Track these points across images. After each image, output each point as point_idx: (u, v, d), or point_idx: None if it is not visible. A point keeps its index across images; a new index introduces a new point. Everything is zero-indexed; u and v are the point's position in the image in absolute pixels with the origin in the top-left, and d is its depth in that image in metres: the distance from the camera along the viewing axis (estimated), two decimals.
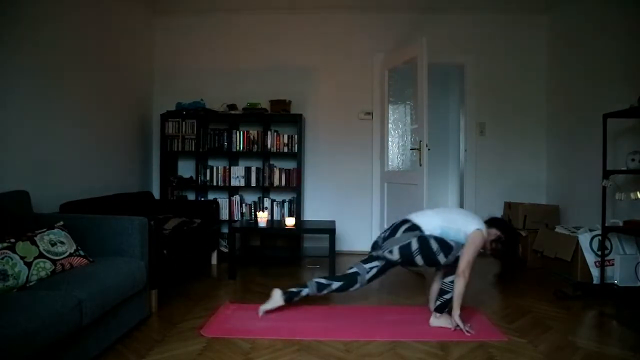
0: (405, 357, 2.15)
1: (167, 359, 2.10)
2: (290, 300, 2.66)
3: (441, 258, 2.46)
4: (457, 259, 2.47)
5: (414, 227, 2.52)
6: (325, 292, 2.63)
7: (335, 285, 2.63)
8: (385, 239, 2.59)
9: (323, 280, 2.65)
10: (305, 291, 2.65)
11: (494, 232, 2.56)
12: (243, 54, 4.75)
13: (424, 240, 2.47)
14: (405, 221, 2.59)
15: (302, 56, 4.73)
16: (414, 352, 2.20)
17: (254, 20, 4.73)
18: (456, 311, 2.43)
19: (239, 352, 2.18)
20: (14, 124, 2.69)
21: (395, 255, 2.51)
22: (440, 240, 2.47)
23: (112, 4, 3.86)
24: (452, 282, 2.46)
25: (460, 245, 2.47)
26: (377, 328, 2.50)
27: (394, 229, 2.58)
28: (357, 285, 2.64)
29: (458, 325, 2.45)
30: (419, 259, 2.48)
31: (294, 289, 2.67)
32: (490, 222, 2.59)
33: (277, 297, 2.66)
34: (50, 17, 3.01)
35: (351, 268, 2.68)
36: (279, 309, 2.71)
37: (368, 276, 2.64)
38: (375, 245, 2.65)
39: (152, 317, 2.67)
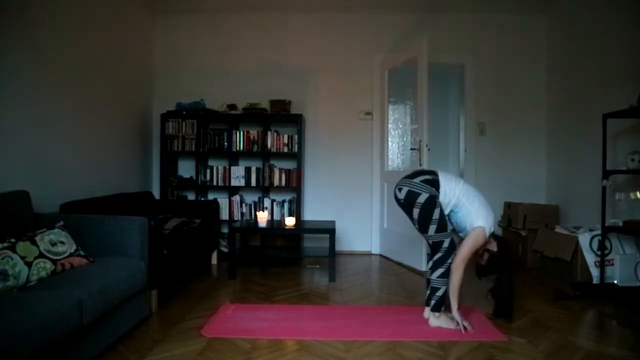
0: (405, 357, 2.15)
1: (167, 359, 2.10)
2: (440, 306, 2.53)
3: (431, 229, 2.46)
4: (435, 244, 2.48)
5: (434, 184, 2.48)
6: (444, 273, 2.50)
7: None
8: (405, 177, 2.56)
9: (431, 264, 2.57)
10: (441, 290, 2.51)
11: (493, 244, 2.55)
12: (243, 54, 4.75)
13: (432, 201, 2.44)
14: (432, 172, 2.54)
15: (302, 56, 4.73)
16: (414, 352, 2.20)
17: (254, 20, 4.73)
18: (454, 306, 2.43)
19: (239, 352, 2.18)
20: (14, 124, 2.69)
21: (402, 195, 2.51)
22: (442, 217, 2.46)
23: (112, 4, 3.86)
24: (440, 276, 2.47)
25: (450, 234, 2.48)
26: (377, 328, 2.50)
27: (417, 173, 2.55)
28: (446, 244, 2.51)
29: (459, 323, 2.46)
30: (415, 212, 2.48)
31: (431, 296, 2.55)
32: (497, 237, 2.58)
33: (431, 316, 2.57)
34: (50, 17, 3.01)
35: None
36: (279, 309, 2.70)
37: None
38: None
39: (152, 317, 2.67)
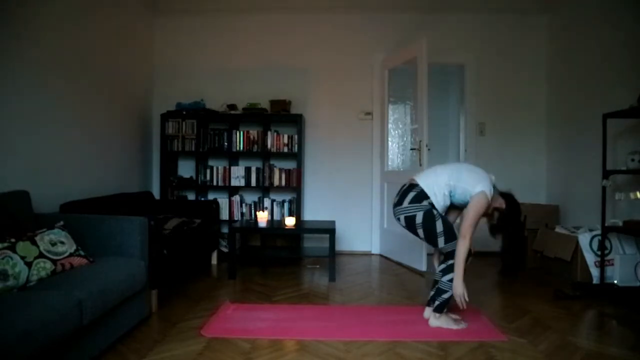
0: (405, 357, 2.15)
1: (167, 359, 2.10)
2: (442, 308, 2.54)
3: (440, 242, 2.46)
4: (449, 253, 2.47)
5: (421, 196, 2.47)
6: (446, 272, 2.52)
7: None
8: (395, 205, 2.56)
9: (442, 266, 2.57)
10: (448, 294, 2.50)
11: (500, 202, 2.51)
12: (243, 54, 4.75)
13: (429, 216, 2.44)
14: (413, 185, 2.52)
15: (302, 56, 4.73)
16: (414, 352, 2.20)
17: (254, 20, 4.73)
18: (458, 278, 2.39)
19: (239, 352, 2.18)
20: (14, 124, 2.69)
21: (402, 222, 2.53)
22: (447, 227, 2.45)
23: (112, 4, 3.86)
24: (450, 280, 2.45)
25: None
26: (377, 328, 2.50)
27: (402, 195, 2.54)
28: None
29: (457, 321, 2.47)
30: (420, 232, 2.48)
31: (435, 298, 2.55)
32: (502, 193, 2.55)
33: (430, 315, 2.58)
34: (50, 17, 3.01)
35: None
36: (279, 309, 2.70)
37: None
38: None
39: (152, 317, 2.67)
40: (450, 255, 2.48)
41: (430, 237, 2.48)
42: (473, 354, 2.18)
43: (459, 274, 2.39)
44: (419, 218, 2.45)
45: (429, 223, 2.44)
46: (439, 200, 2.48)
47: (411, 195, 2.49)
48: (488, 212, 2.51)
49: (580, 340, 2.35)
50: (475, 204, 2.40)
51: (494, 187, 2.51)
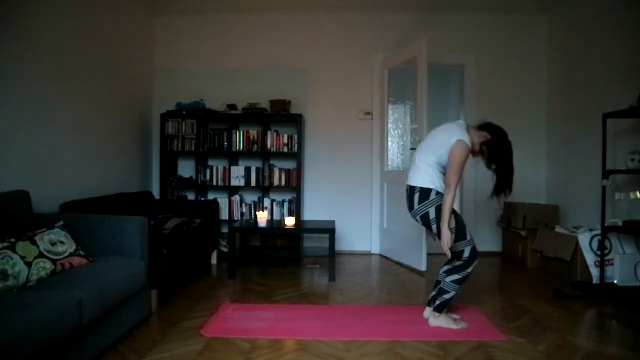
0: (405, 357, 2.15)
1: (167, 359, 2.10)
2: (443, 308, 2.54)
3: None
4: (457, 253, 2.46)
5: (426, 192, 2.47)
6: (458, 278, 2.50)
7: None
8: (409, 210, 2.57)
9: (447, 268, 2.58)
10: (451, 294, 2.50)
11: (482, 134, 2.50)
12: (243, 54, 4.75)
13: (440, 209, 2.43)
14: (413, 188, 2.52)
15: (302, 56, 4.73)
16: (414, 352, 2.20)
17: (254, 21, 4.73)
18: (444, 223, 2.37)
19: (239, 352, 2.18)
20: (14, 123, 2.69)
21: (420, 222, 2.54)
22: (460, 225, 2.44)
23: (112, 4, 3.86)
24: (453, 281, 2.46)
25: (471, 242, 2.47)
26: (377, 328, 2.50)
27: (409, 200, 2.54)
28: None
29: (457, 320, 2.46)
30: (434, 228, 2.48)
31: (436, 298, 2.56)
32: (482, 126, 2.53)
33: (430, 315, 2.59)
34: (50, 18, 3.01)
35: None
36: (279, 309, 2.70)
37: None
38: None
39: (152, 317, 2.67)
40: (457, 256, 2.47)
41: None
42: (473, 354, 2.18)
43: (446, 219, 2.36)
44: (432, 214, 2.45)
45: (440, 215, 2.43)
46: (442, 182, 2.47)
47: (417, 196, 2.49)
48: (477, 150, 2.50)
49: (580, 340, 2.35)
50: (454, 154, 2.38)
51: (468, 126, 2.51)
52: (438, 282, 2.60)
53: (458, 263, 2.47)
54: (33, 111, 2.86)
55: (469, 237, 2.46)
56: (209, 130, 4.53)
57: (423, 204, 2.47)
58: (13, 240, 1.96)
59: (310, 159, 4.75)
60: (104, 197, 3.34)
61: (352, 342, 2.31)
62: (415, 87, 4.00)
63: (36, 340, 1.56)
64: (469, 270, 2.46)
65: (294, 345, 2.28)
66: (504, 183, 2.47)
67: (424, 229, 3.66)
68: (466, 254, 2.45)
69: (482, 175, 4.65)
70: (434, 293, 2.60)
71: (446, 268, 2.55)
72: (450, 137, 2.42)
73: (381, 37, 4.67)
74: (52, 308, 1.68)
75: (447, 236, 2.38)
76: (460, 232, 2.44)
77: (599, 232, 3.39)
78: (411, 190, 2.53)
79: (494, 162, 2.49)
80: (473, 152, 2.49)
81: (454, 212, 2.44)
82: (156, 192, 4.58)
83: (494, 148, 2.47)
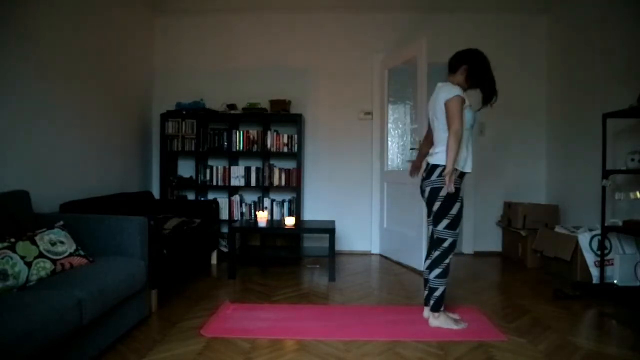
0: (405, 357, 2.15)
1: (167, 359, 2.10)
2: (439, 306, 2.54)
3: (442, 224, 2.47)
4: (438, 240, 2.49)
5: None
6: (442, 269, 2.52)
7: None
8: (424, 179, 2.57)
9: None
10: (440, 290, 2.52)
11: (462, 70, 2.60)
12: (243, 54, 4.75)
13: (454, 195, 2.43)
14: (435, 166, 2.51)
15: (302, 56, 4.73)
16: (414, 352, 2.20)
17: (254, 20, 4.73)
18: (449, 167, 2.35)
19: (239, 352, 2.18)
20: (14, 123, 2.69)
21: (426, 194, 2.53)
22: (458, 216, 2.46)
23: (112, 4, 3.86)
24: (437, 277, 2.48)
25: (456, 234, 2.49)
26: (377, 328, 2.51)
27: (430, 171, 2.52)
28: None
29: (457, 321, 2.46)
30: (436, 206, 2.47)
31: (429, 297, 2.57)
32: (453, 65, 2.66)
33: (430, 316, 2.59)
34: (50, 18, 3.01)
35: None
36: (279, 309, 2.70)
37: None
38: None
39: (152, 317, 2.67)
40: (438, 244, 2.49)
41: (439, 214, 2.47)
42: (473, 354, 2.18)
43: (450, 165, 2.35)
44: (444, 191, 2.43)
45: (450, 201, 2.43)
46: (465, 153, 2.49)
47: (439, 170, 2.46)
48: (465, 87, 2.61)
49: (580, 340, 2.35)
50: (450, 109, 2.43)
51: (447, 80, 2.62)
52: (427, 281, 2.61)
53: (436, 254, 2.50)
54: (33, 111, 2.85)
55: (457, 231, 2.49)
56: (209, 130, 4.53)
57: (441, 178, 2.44)
58: (13, 240, 1.96)
59: (310, 159, 4.75)
60: (104, 197, 3.34)
61: (352, 342, 2.31)
62: (415, 87, 4.00)
63: (36, 340, 1.56)
64: (447, 261, 2.49)
65: (294, 345, 2.28)
66: (490, 93, 2.65)
67: (424, 229, 3.69)
68: (446, 244, 2.48)
69: (482, 177, 4.67)
70: (426, 292, 2.62)
71: (428, 263, 2.58)
72: (445, 97, 2.48)
73: (381, 37, 4.67)
74: (52, 308, 1.68)
75: (449, 177, 2.36)
76: (453, 223, 2.46)
77: (599, 232, 3.39)
78: (433, 167, 2.51)
79: (482, 83, 2.63)
80: (465, 90, 2.56)
81: (460, 200, 2.45)
82: (156, 192, 4.58)
83: (476, 72, 2.61)
